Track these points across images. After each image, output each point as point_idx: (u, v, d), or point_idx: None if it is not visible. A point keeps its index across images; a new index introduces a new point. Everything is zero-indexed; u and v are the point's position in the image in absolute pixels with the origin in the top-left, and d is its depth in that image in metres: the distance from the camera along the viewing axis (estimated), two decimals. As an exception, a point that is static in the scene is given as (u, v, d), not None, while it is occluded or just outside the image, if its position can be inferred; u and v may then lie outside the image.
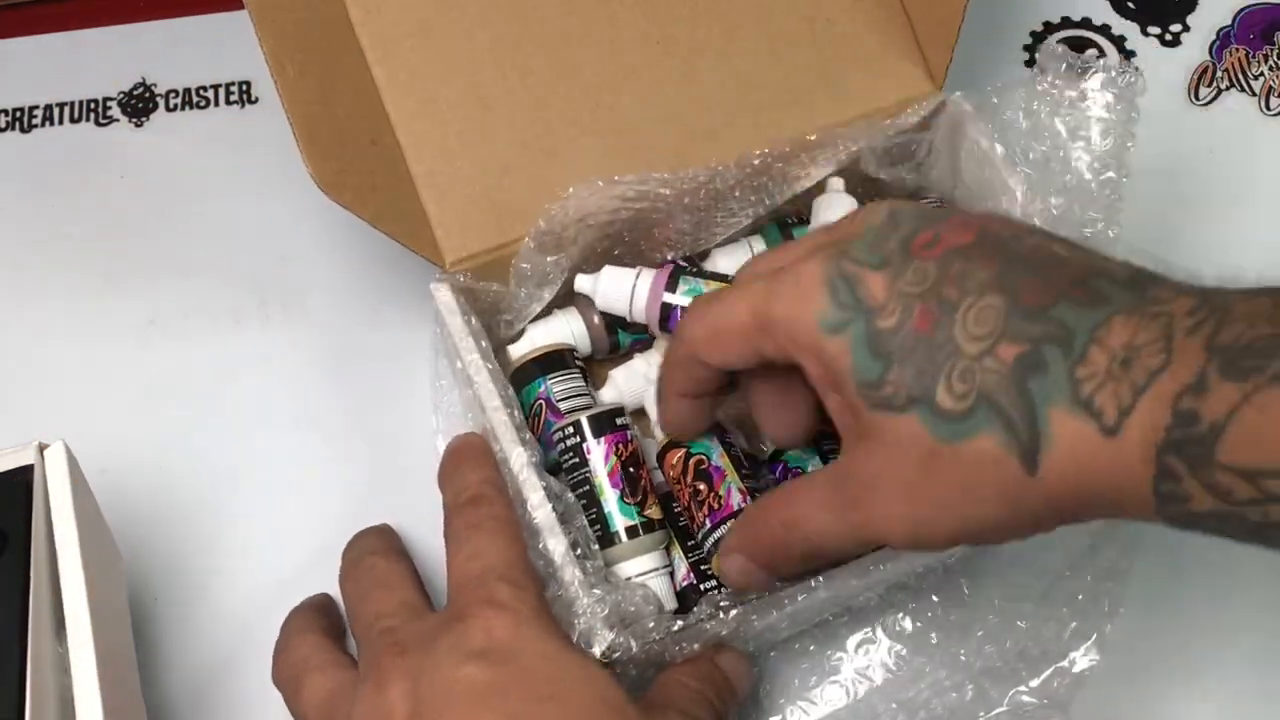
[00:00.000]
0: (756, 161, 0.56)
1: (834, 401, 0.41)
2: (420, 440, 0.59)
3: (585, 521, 0.50)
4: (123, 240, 0.66)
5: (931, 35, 0.59)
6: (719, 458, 0.53)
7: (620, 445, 0.52)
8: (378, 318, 0.63)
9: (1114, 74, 0.54)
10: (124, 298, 0.64)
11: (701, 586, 0.52)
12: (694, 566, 0.53)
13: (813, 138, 0.57)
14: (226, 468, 0.60)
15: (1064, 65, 0.55)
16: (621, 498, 0.51)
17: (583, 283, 0.56)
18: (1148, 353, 0.34)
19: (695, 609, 0.47)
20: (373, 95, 0.55)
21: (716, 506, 0.52)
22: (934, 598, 0.55)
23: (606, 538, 0.51)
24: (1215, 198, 0.68)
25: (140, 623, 0.55)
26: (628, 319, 0.56)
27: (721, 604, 0.47)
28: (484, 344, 0.52)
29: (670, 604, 0.51)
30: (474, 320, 0.53)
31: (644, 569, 0.51)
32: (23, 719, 0.40)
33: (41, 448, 0.46)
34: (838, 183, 0.59)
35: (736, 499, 0.51)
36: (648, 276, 0.55)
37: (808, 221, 0.60)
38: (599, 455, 0.52)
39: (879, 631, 0.54)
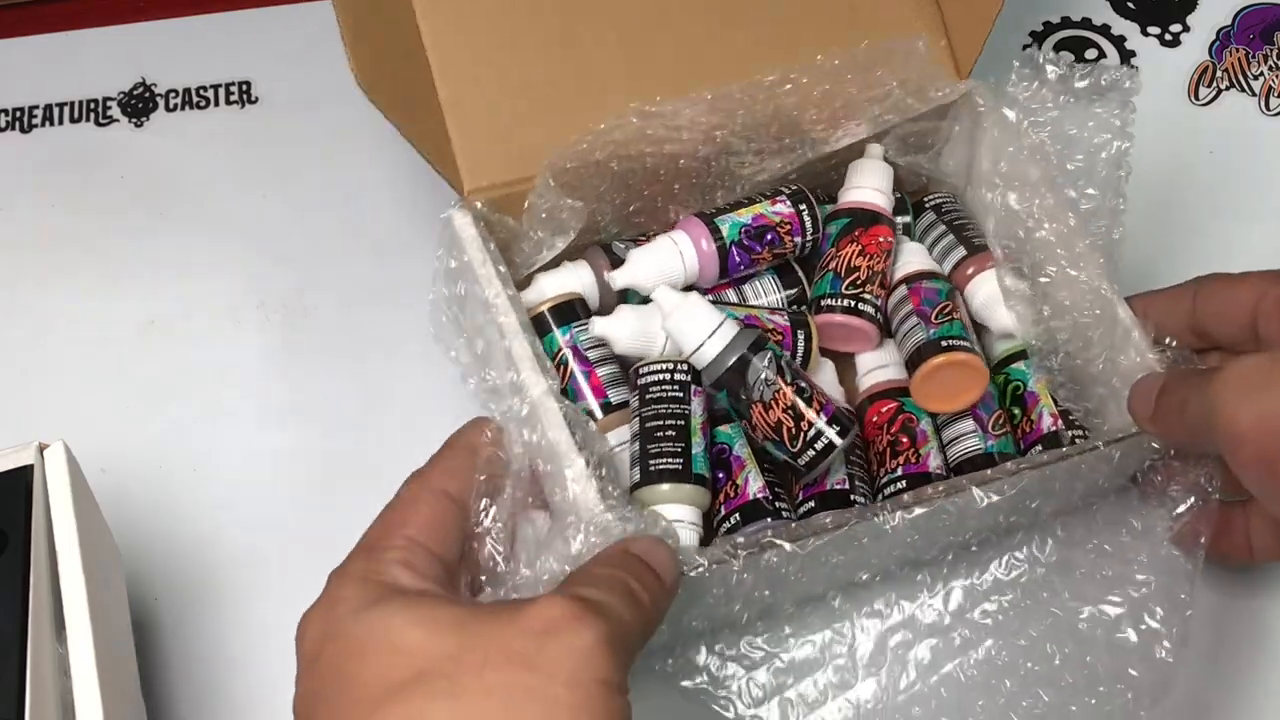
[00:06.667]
0: (789, 85, 0.55)
1: None
2: (421, 439, 0.59)
3: (640, 450, 0.50)
4: (123, 240, 0.66)
5: (962, 24, 0.59)
6: (740, 448, 0.53)
7: (707, 404, 0.53)
8: (378, 317, 0.64)
9: (1110, 76, 0.54)
10: (124, 298, 0.64)
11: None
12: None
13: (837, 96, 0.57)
14: (226, 468, 0.60)
15: (1056, 69, 0.55)
16: (706, 449, 0.52)
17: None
18: None
19: (709, 550, 0.46)
20: (409, 13, 0.54)
21: (733, 495, 0.52)
22: (980, 575, 0.53)
23: (681, 474, 0.50)
24: (1215, 198, 0.68)
25: (140, 623, 0.55)
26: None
27: (738, 541, 0.46)
28: (503, 269, 0.51)
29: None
30: (493, 247, 0.52)
31: (680, 518, 0.50)
32: (22, 719, 0.40)
33: (41, 448, 0.46)
34: (876, 149, 0.59)
35: (754, 488, 0.52)
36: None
37: (825, 203, 0.59)
38: (699, 404, 0.52)
39: (901, 600, 0.53)
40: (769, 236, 0.56)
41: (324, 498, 0.59)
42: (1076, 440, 0.52)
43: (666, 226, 0.58)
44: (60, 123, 0.70)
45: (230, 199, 0.67)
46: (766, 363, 0.50)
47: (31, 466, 0.45)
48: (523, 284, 0.56)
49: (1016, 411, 0.55)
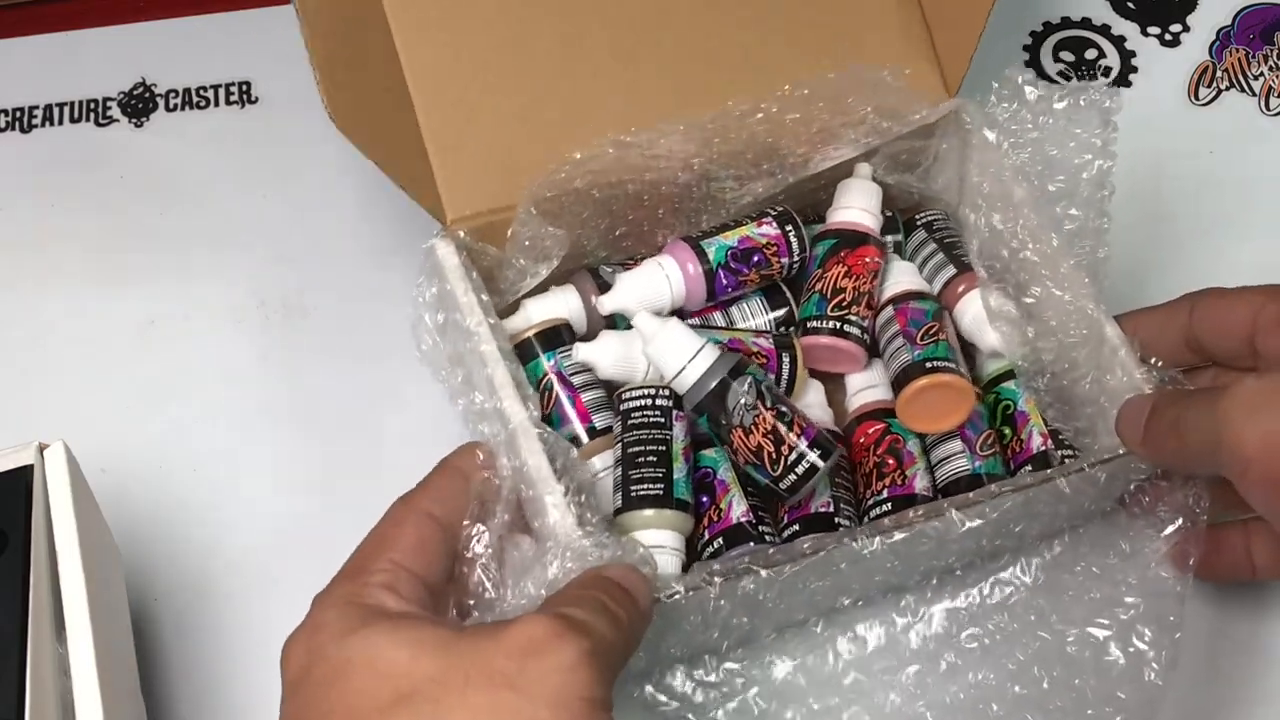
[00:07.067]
0: (760, 114, 0.55)
1: None
2: (422, 439, 0.59)
3: (622, 476, 0.50)
4: (123, 240, 0.66)
5: (949, 41, 0.59)
6: (724, 471, 0.53)
7: (690, 428, 0.53)
8: (377, 317, 0.63)
9: (1089, 96, 0.53)
10: (124, 298, 0.64)
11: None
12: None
13: (822, 107, 0.56)
14: (226, 468, 0.60)
15: (1035, 90, 0.55)
16: (688, 473, 0.52)
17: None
18: None
19: (686, 576, 0.46)
20: (389, 43, 0.54)
21: (716, 519, 0.52)
22: (951, 601, 0.53)
23: (662, 499, 0.50)
24: (1215, 198, 0.68)
25: (140, 623, 0.55)
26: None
27: (714, 567, 0.46)
28: (485, 298, 0.51)
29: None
30: (475, 275, 0.52)
31: (661, 543, 0.50)
32: (23, 719, 0.40)
33: (41, 448, 0.46)
34: (864, 169, 0.58)
35: (737, 512, 0.52)
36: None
37: (814, 222, 0.59)
38: (680, 429, 0.52)
39: (884, 625, 0.53)
40: (756, 258, 0.56)
41: (324, 498, 0.59)
42: (1066, 460, 0.52)
43: (654, 249, 0.58)
44: (60, 123, 0.70)
45: (230, 199, 0.67)
46: (746, 387, 0.50)
47: (31, 466, 0.45)
48: (510, 309, 0.56)
49: (1007, 431, 0.55)
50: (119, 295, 0.65)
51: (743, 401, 0.50)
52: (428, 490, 0.46)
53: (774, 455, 0.50)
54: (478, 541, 0.45)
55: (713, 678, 0.51)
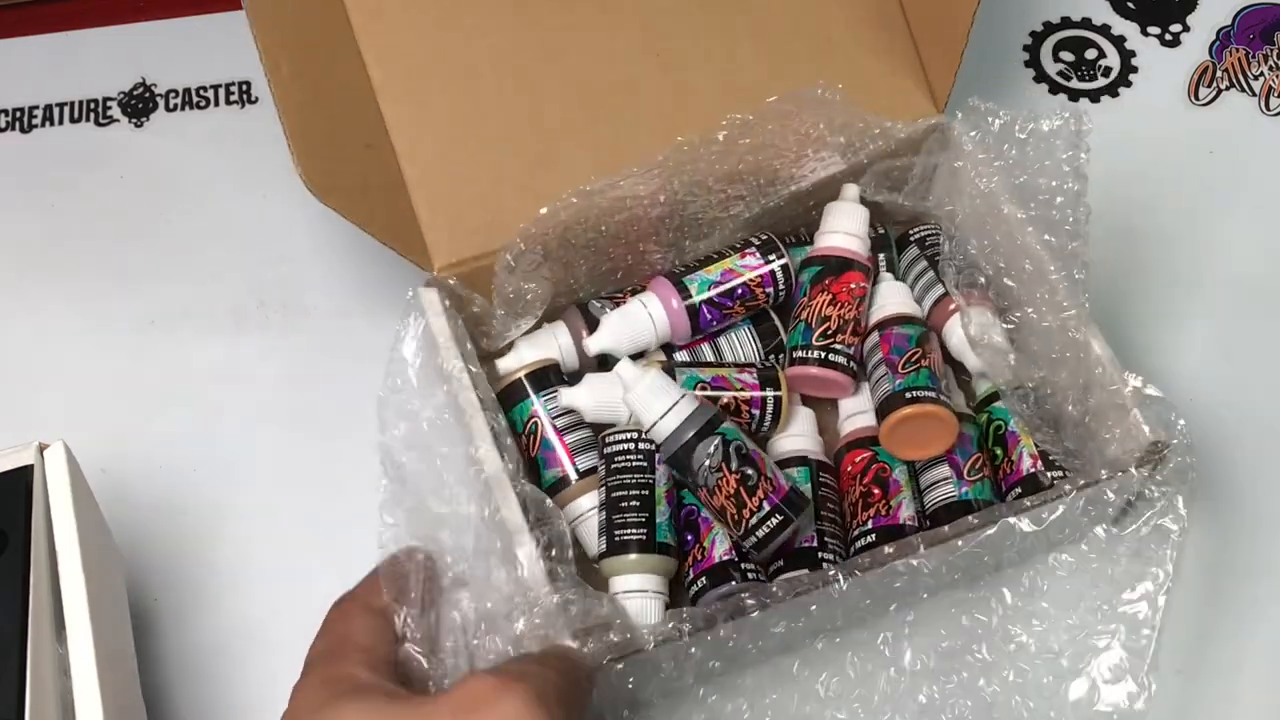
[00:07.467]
0: (722, 136, 0.55)
1: None
2: (420, 439, 0.59)
3: (600, 524, 0.51)
4: (123, 240, 0.66)
5: (935, 58, 0.59)
6: (709, 510, 0.53)
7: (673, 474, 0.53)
8: (377, 318, 0.63)
9: (1052, 123, 0.53)
10: (124, 298, 0.64)
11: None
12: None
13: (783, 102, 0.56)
14: (226, 468, 0.60)
15: (999, 119, 0.54)
16: (671, 518, 0.52)
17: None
18: None
19: (657, 627, 0.47)
20: (369, 98, 0.55)
21: (700, 558, 0.52)
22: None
23: (644, 544, 0.51)
24: (1215, 197, 0.68)
25: (140, 623, 0.55)
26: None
27: (684, 615, 0.47)
28: (468, 347, 0.52)
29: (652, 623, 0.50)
30: (460, 323, 0.53)
31: (643, 587, 0.51)
32: (23, 719, 0.40)
33: (41, 448, 0.46)
34: (852, 190, 0.58)
35: (720, 550, 0.52)
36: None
37: (806, 242, 0.59)
38: (663, 471, 0.52)
39: (862, 660, 0.53)
40: (739, 291, 0.56)
41: (324, 497, 0.59)
42: (1055, 482, 0.52)
43: (644, 279, 0.58)
44: (60, 123, 0.70)
45: (230, 199, 0.67)
46: (712, 450, 0.50)
47: (31, 466, 0.46)
48: (502, 350, 0.57)
49: (998, 451, 0.55)
50: (119, 295, 0.65)
51: (707, 464, 0.50)
52: (363, 589, 0.48)
53: (735, 518, 0.50)
54: (401, 623, 0.47)
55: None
